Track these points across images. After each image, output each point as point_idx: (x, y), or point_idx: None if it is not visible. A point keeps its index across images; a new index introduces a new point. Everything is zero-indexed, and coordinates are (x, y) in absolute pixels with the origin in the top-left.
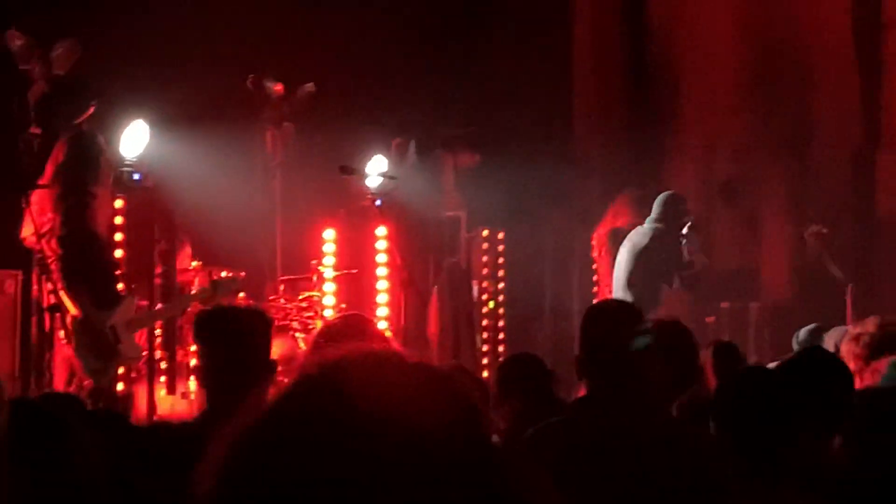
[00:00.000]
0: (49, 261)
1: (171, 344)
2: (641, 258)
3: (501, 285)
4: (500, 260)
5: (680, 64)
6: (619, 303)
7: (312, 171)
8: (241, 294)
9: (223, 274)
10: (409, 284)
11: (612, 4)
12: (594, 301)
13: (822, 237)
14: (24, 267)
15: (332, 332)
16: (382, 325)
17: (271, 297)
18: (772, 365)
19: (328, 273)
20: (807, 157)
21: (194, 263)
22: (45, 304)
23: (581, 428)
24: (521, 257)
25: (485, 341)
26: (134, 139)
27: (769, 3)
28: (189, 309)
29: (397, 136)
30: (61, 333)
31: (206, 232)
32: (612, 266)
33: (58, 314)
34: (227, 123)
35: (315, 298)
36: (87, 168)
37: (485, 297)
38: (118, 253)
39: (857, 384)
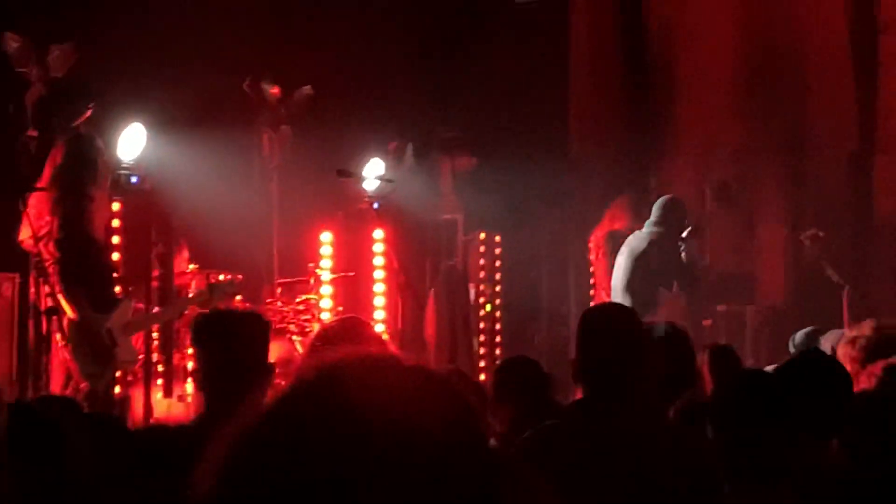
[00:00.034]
0: (46, 264)
1: (167, 347)
2: (640, 262)
3: (498, 288)
4: (497, 263)
5: (677, 67)
6: (615, 306)
7: (309, 174)
8: (238, 297)
9: (221, 277)
10: (406, 287)
11: (609, 7)
12: (591, 304)
13: (819, 240)
14: (21, 270)
15: (329, 335)
16: (379, 327)
17: (268, 300)
18: (769, 368)
19: (325, 276)
20: (804, 160)
21: (191, 266)
22: (42, 307)
23: (577, 431)
24: (518, 260)
25: (482, 344)
26: (131, 142)
27: (767, 7)
28: (186, 312)
29: (394, 139)
30: (58, 336)
31: (203, 235)
32: (609, 269)
33: (55, 317)
34: (224, 126)
35: (312, 301)
36: (84, 171)
37: (482, 300)
38: (115, 256)
39: (854, 387)
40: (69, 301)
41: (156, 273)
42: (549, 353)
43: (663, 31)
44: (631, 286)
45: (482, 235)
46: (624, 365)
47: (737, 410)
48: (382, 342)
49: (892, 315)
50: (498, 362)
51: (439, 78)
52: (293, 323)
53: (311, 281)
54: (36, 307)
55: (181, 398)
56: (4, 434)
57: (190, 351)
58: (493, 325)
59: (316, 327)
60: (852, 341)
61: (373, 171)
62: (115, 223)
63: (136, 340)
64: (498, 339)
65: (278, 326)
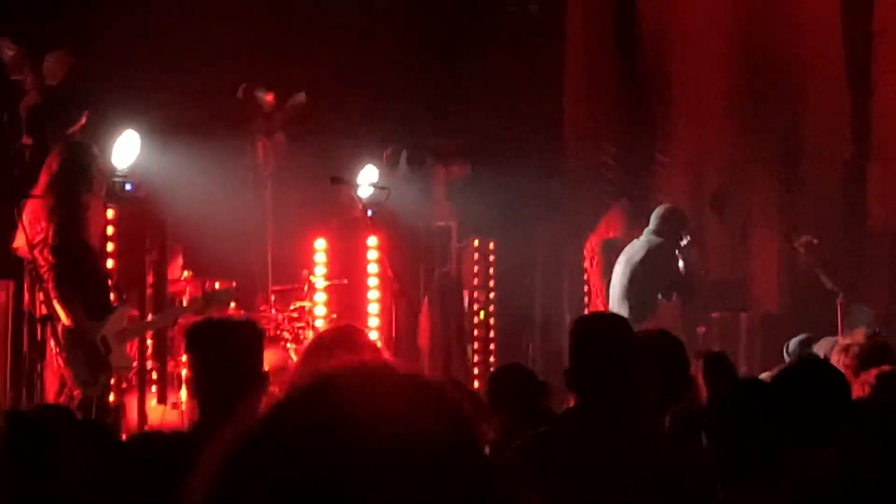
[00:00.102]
0: (41, 271)
1: (162, 354)
2: (639, 271)
3: (492, 295)
4: (491, 270)
5: (671, 75)
6: (606, 314)
7: (303, 181)
8: (233, 305)
9: (216, 285)
10: (400, 294)
11: (603, 16)
12: (585, 311)
13: (813, 248)
14: (16, 277)
15: (323, 343)
16: (373, 335)
17: (262, 308)
18: (764, 375)
19: (319, 283)
20: (797, 168)
21: (185, 274)
22: (37, 315)
23: (568, 439)
24: (511, 267)
25: (476, 351)
26: (125, 149)
27: (761, 16)
28: (180, 319)
29: (388, 146)
30: (52, 343)
31: (197, 242)
32: (604, 277)
33: (49, 324)
34: (218, 133)
35: (306, 309)
36: (79, 178)
37: (476, 307)
38: (109, 263)
39: None
40: (64, 308)
41: (150, 280)
42: (543, 360)
43: (658, 40)
44: (629, 295)
45: (476, 242)
46: (616, 373)
47: (734, 418)
48: (376, 350)
49: (887, 322)
50: (492, 369)
51: (433, 85)
52: (287, 330)
53: (305, 288)
54: (30, 314)
55: (175, 405)
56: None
57: (184, 358)
58: (487, 333)
59: (310, 335)
60: (845, 349)
61: (367, 179)
62: (110, 230)
63: (131, 348)
64: (492, 346)
65: (272, 334)
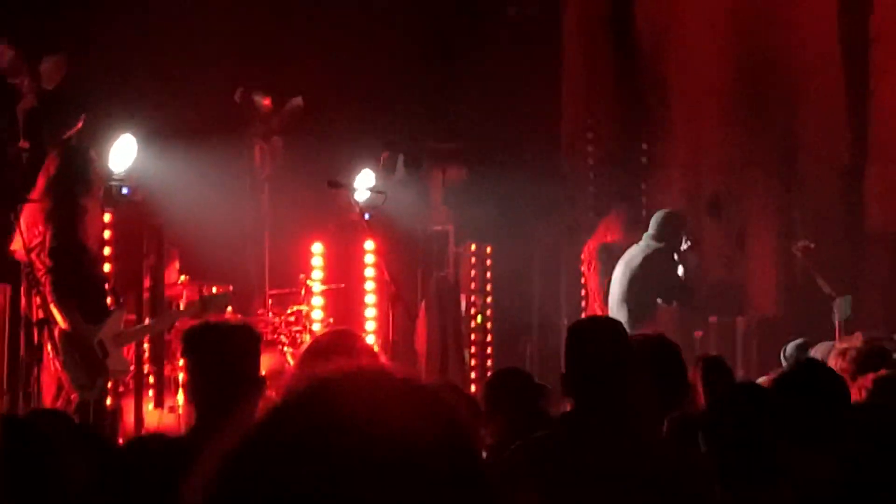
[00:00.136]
0: (38, 274)
1: (159, 358)
2: (638, 275)
3: (489, 299)
4: (489, 274)
5: (669, 79)
6: (602, 319)
7: (300, 185)
8: (230, 309)
9: (213, 289)
10: (397, 299)
11: (600, 20)
12: (582, 315)
13: (810, 251)
14: (13, 280)
15: (320, 347)
16: (370, 339)
17: (259, 312)
18: (761, 380)
19: (316, 287)
20: (794, 171)
21: (182, 277)
22: (34, 318)
23: (564, 443)
24: (509, 271)
25: (473, 356)
26: (122, 153)
27: (757, 19)
28: (177, 323)
29: (385, 150)
30: (49, 347)
31: (194, 246)
32: (602, 281)
33: (46, 328)
34: (215, 137)
35: (303, 313)
36: (76, 182)
37: (473, 311)
38: (106, 267)
39: None
40: (61, 312)
41: (147, 284)
42: (540, 365)
43: (655, 43)
44: (628, 299)
45: (473, 247)
46: (612, 377)
47: (733, 422)
48: (373, 354)
49: (885, 326)
50: (489, 373)
51: (430, 89)
52: (284, 334)
53: (303, 292)
54: (27, 318)
55: (172, 409)
56: None
57: (181, 362)
58: (485, 337)
59: (307, 339)
60: (842, 353)
61: (364, 182)
62: (107, 234)
63: (128, 351)
64: (489, 350)
65: (269, 338)
